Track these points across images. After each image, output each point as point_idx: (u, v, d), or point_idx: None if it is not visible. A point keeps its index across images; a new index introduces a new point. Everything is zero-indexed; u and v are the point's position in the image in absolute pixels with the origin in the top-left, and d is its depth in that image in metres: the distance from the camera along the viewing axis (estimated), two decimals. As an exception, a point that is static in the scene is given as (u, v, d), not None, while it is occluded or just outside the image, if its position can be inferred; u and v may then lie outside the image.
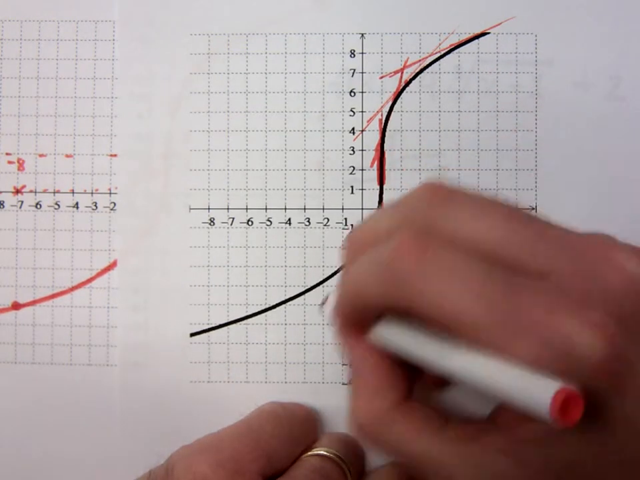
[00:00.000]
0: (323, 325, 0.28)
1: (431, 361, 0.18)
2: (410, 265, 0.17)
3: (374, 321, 0.20)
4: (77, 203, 0.29)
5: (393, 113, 0.28)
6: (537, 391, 0.15)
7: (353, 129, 0.28)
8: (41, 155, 0.29)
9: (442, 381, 0.23)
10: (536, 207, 0.28)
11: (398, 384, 0.20)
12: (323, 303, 0.24)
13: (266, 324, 0.28)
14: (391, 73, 0.28)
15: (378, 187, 0.28)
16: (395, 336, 0.20)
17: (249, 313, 0.28)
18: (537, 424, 0.17)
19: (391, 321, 0.20)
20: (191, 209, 0.28)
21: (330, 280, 0.28)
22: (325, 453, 0.25)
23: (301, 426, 0.26)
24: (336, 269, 0.28)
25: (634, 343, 0.16)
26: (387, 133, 0.28)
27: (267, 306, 0.28)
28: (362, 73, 0.28)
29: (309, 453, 0.25)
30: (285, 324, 0.28)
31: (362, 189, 0.28)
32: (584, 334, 0.15)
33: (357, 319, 0.21)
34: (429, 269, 0.17)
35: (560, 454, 0.17)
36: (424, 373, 0.21)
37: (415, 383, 0.21)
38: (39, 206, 0.29)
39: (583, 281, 0.16)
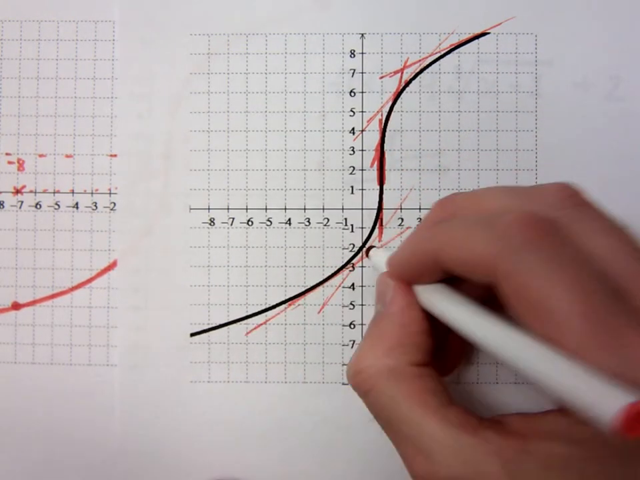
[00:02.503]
0: (323, 325, 0.28)
1: (491, 343, 0.17)
2: (528, 239, 0.17)
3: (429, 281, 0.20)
4: (76, 203, 0.29)
5: (392, 113, 0.28)
6: (606, 395, 0.15)
7: (353, 129, 0.28)
8: (40, 155, 0.29)
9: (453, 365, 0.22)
10: (536, 207, 0.28)
11: (423, 348, 0.20)
12: (368, 250, 0.24)
13: (266, 324, 0.28)
14: (390, 73, 0.28)
15: (378, 187, 0.28)
16: (452, 304, 0.19)
17: (249, 313, 0.28)
18: (560, 445, 0.16)
19: (449, 288, 0.19)
20: (191, 209, 0.28)
21: (330, 280, 0.28)
22: None
23: None
24: (336, 269, 0.28)
25: None
26: (387, 133, 0.28)
27: (267, 306, 0.28)
28: (362, 73, 0.28)
29: None
30: (285, 324, 0.28)
31: (362, 189, 0.28)
32: None
33: (421, 270, 0.20)
34: (543, 253, 0.16)
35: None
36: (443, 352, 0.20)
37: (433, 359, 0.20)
38: (38, 206, 0.29)
39: None
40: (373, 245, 0.25)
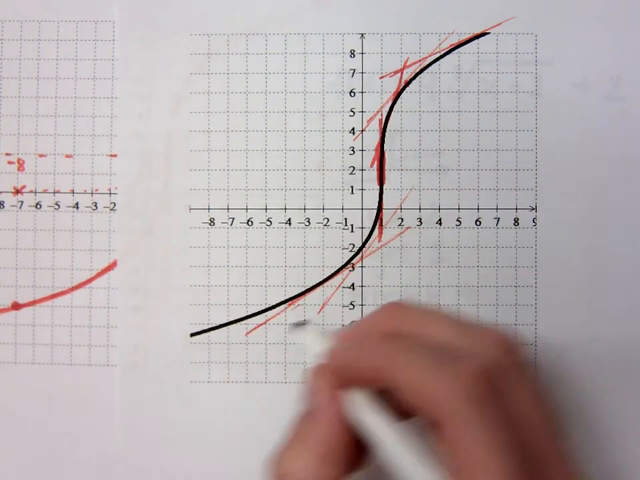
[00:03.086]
0: (323, 325, 0.28)
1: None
2: (476, 394, 0.18)
3: (358, 392, 0.20)
4: (77, 203, 0.29)
5: (392, 113, 0.28)
6: None
7: (353, 129, 0.28)
8: (41, 155, 0.29)
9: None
10: (536, 207, 0.28)
11: (351, 459, 0.20)
12: (298, 326, 0.23)
13: (266, 324, 0.28)
14: (390, 73, 0.28)
15: (378, 187, 0.28)
16: (383, 429, 0.19)
17: (249, 313, 0.28)
18: None
19: (377, 402, 0.19)
20: (191, 209, 0.28)
21: (330, 280, 0.28)
22: None
23: None
24: (336, 269, 0.28)
25: None
26: (386, 133, 0.28)
27: (267, 306, 0.28)
28: (362, 73, 0.28)
29: None
30: (285, 324, 0.28)
31: (362, 189, 0.28)
32: None
33: (364, 378, 0.20)
34: (487, 415, 0.18)
35: None
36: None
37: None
38: (38, 206, 0.29)
39: None
40: (304, 320, 0.23)
